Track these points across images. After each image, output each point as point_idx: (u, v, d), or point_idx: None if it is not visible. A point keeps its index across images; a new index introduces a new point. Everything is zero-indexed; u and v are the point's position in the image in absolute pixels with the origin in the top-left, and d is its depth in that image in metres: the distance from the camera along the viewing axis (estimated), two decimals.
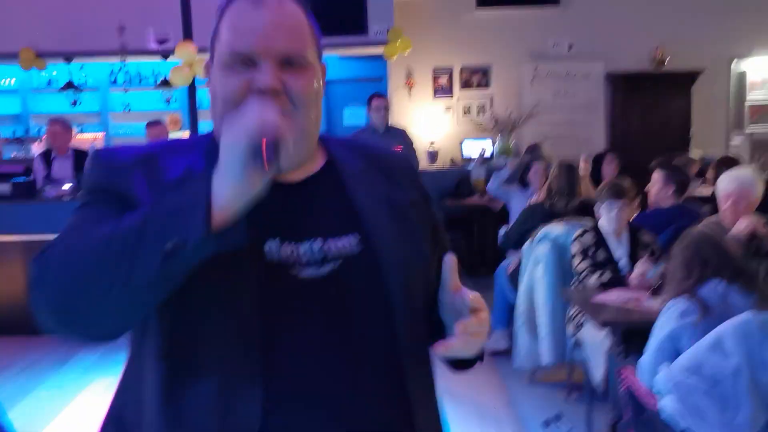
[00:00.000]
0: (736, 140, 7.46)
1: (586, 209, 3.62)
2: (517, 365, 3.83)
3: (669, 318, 2.26)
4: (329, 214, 0.97)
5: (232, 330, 0.88)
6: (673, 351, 2.23)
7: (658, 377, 2.19)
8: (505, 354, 4.07)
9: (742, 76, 7.46)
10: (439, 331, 0.98)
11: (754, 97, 7.49)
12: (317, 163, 1.02)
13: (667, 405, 2.15)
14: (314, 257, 0.93)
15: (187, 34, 5.07)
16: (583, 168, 4.55)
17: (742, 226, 3.04)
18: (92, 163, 0.99)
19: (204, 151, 0.97)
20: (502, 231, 4.77)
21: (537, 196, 4.84)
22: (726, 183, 3.15)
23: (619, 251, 3.30)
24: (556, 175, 4.08)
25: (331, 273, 0.93)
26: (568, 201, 4.00)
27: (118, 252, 0.80)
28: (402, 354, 0.94)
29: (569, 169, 4.07)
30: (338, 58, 7.11)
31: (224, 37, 0.95)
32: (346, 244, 0.95)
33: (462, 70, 7.45)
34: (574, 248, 3.34)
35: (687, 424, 2.08)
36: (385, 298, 0.94)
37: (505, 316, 4.24)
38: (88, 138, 7.30)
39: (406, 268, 0.96)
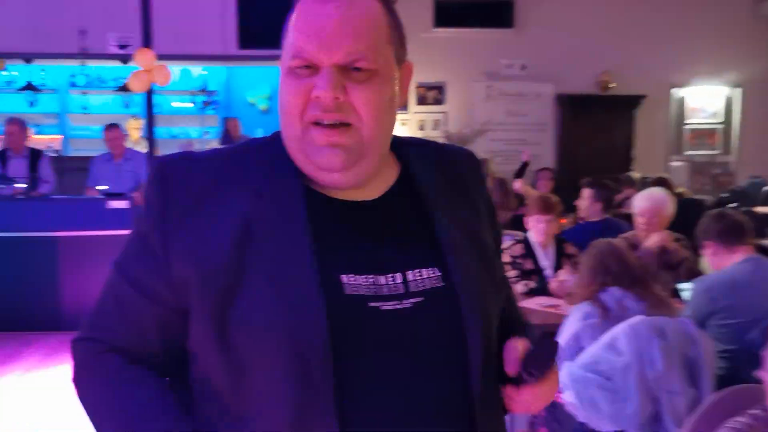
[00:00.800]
0: (676, 163, 7.86)
1: (519, 222, 3.85)
2: None
3: (574, 320, 2.49)
4: (409, 240, 0.91)
5: (302, 366, 0.81)
6: (576, 350, 2.46)
7: (561, 373, 2.41)
8: None
9: (681, 103, 7.87)
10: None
11: (692, 122, 7.91)
12: (391, 173, 0.95)
13: (568, 398, 2.37)
14: (396, 291, 0.86)
15: (147, 41, 5.19)
16: (520, 183, 4.74)
17: (654, 240, 3.32)
18: (152, 192, 0.89)
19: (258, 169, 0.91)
20: None
21: None
22: (640, 201, 3.42)
23: (545, 261, 3.54)
24: (491, 190, 4.30)
25: (412, 308, 0.86)
26: (502, 214, 4.23)
27: None
28: (473, 398, 0.88)
29: (501, 184, 4.29)
30: None
31: (289, 38, 0.87)
32: (427, 278, 0.89)
33: (418, 87, 7.70)
34: (504, 257, 3.57)
35: (583, 415, 2.31)
36: (462, 340, 0.88)
37: None
38: (44, 138, 7.35)
39: (486, 312, 0.91)
